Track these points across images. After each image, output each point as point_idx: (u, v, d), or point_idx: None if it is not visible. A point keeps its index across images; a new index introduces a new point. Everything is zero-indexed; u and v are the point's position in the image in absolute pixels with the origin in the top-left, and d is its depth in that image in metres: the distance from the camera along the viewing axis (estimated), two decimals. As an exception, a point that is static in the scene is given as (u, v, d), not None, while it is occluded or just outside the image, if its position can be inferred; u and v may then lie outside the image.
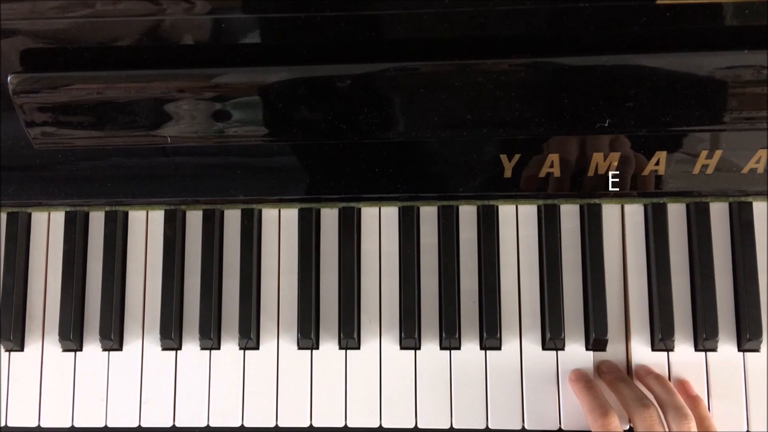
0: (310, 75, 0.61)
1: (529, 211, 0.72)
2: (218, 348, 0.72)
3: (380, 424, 0.70)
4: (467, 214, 0.72)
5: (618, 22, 0.59)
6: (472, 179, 0.67)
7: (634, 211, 0.71)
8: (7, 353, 0.74)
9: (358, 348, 0.71)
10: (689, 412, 0.63)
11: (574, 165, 0.66)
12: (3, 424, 0.72)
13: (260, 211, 0.74)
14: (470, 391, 0.70)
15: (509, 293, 0.71)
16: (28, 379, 0.73)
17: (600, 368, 0.69)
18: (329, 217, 0.73)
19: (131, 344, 0.73)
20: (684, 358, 0.69)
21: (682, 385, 0.68)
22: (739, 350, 0.69)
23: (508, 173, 0.67)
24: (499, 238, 0.71)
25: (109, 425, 0.72)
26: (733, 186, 0.67)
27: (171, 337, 0.71)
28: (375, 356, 0.71)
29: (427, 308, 0.71)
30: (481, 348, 0.70)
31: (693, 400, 0.66)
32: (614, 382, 0.67)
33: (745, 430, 0.68)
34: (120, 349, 0.73)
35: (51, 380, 0.73)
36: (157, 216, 0.74)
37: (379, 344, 0.71)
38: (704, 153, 0.65)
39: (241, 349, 0.72)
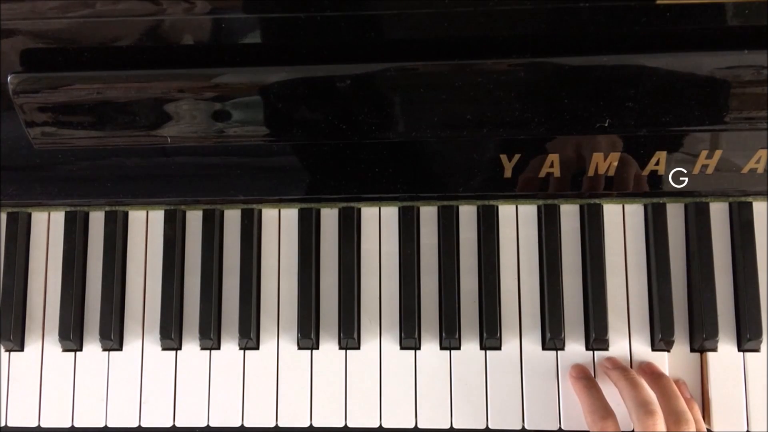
0: (310, 75, 0.61)
1: (529, 211, 0.72)
2: (218, 348, 0.72)
3: (380, 424, 0.70)
4: (467, 214, 0.72)
5: (618, 22, 0.59)
6: (472, 179, 0.67)
7: (634, 211, 0.71)
8: (7, 353, 0.74)
9: (358, 348, 0.71)
10: (690, 417, 0.62)
11: (574, 165, 0.66)
12: (3, 424, 0.72)
13: (260, 211, 0.74)
14: (470, 391, 0.70)
15: (509, 293, 0.71)
16: (28, 379, 0.73)
17: (605, 364, 0.69)
18: (329, 217, 0.73)
19: (131, 344, 0.73)
20: (684, 357, 0.69)
21: (678, 387, 0.67)
22: (739, 350, 0.69)
23: (508, 173, 0.67)
24: (499, 238, 0.71)
25: (109, 425, 0.72)
26: (733, 186, 0.67)
27: (171, 337, 0.71)
28: (375, 356, 0.71)
29: (427, 308, 0.71)
30: (481, 348, 0.70)
31: (686, 402, 0.66)
32: (619, 381, 0.66)
33: (745, 430, 0.68)
34: (120, 349, 0.73)
35: (51, 380, 0.73)
36: (157, 216, 0.74)
37: (379, 344, 0.71)
38: (704, 153, 0.65)
39: (241, 349, 0.72)
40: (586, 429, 0.67)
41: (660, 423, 0.61)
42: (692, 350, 0.70)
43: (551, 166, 0.66)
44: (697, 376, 0.69)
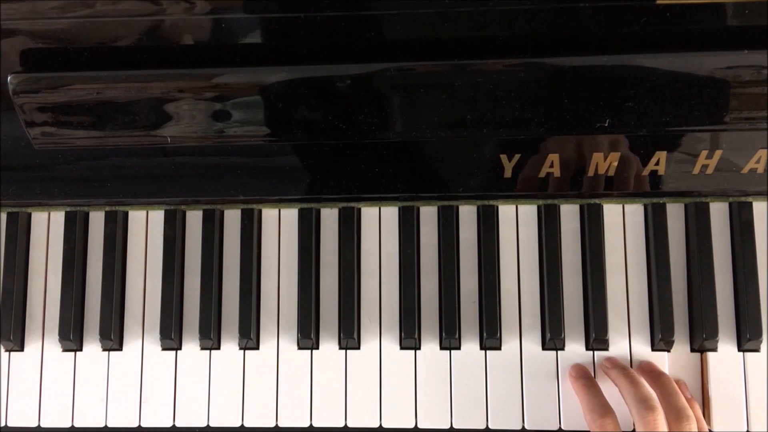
0: (310, 75, 0.61)
1: (529, 211, 0.72)
2: (218, 348, 0.72)
3: (380, 424, 0.70)
4: (467, 214, 0.72)
5: (618, 22, 0.59)
6: (472, 179, 0.67)
7: (634, 211, 0.71)
8: (7, 353, 0.74)
9: (358, 348, 0.71)
10: (690, 413, 0.62)
11: (574, 165, 0.66)
12: (3, 424, 0.72)
13: (260, 211, 0.74)
14: (470, 391, 0.70)
15: (509, 293, 0.71)
16: (28, 379, 0.73)
17: (604, 364, 0.69)
18: (329, 217, 0.73)
19: (131, 344, 0.73)
20: (684, 357, 0.69)
21: (679, 387, 0.67)
22: (739, 350, 0.69)
23: (508, 173, 0.67)
24: (499, 238, 0.71)
25: (109, 425, 0.72)
26: (733, 186, 0.67)
27: (171, 337, 0.71)
28: (375, 356, 0.71)
29: (427, 308, 0.71)
30: (481, 348, 0.70)
31: (687, 402, 0.66)
32: (618, 379, 0.66)
33: (745, 430, 0.68)
34: (120, 349, 0.73)
35: (51, 380, 0.73)
36: (157, 216, 0.74)
37: (379, 344, 0.71)
38: (704, 153, 0.65)
39: (241, 349, 0.72)
40: (586, 429, 0.67)
41: (661, 419, 0.61)
42: (692, 350, 0.70)
43: (551, 166, 0.66)
44: (697, 376, 0.69)
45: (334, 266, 0.72)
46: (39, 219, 0.75)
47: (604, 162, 0.66)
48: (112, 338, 0.72)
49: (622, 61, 0.60)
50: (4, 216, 0.75)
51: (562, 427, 0.69)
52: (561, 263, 0.70)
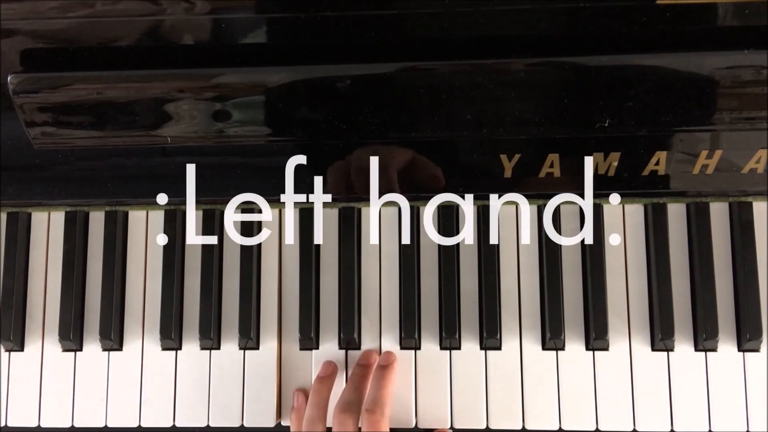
0: (310, 75, 0.61)
1: (529, 211, 0.72)
2: (218, 348, 0.72)
3: (380, 424, 0.70)
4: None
5: (618, 22, 0.59)
6: (472, 179, 0.67)
7: (634, 211, 0.71)
8: (7, 353, 0.74)
9: (358, 348, 0.71)
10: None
11: (574, 165, 0.66)
12: (3, 424, 0.72)
13: (260, 211, 0.73)
14: (470, 391, 0.70)
15: (509, 293, 0.71)
16: (28, 379, 0.73)
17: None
18: (329, 217, 0.73)
19: (131, 344, 0.73)
20: (684, 358, 0.69)
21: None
22: (739, 350, 0.69)
23: (508, 173, 0.67)
24: (499, 238, 0.71)
25: (109, 425, 0.72)
26: (733, 186, 0.67)
27: (171, 337, 0.71)
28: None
29: (427, 308, 0.71)
30: (481, 348, 0.70)
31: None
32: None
33: (745, 430, 0.68)
34: (120, 349, 0.73)
35: (51, 380, 0.73)
36: (157, 216, 0.74)
37: (380, 344, 0.71)
38: (704, 153, 0.65)
39: (241, 349, 0.72)
40: (587, 429, 0.67)
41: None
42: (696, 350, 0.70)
43: (551, 166, 0.66)
44: (702, 377, 0.69)
45: (334, 266, 0.72)
46: (39, 219, 0.75)
47: (604, 162, 0.66)
48: (112, 338, 0.72)
49: (622, 61, 0.60)
50: (4, 216, 0.75)
51: (563, 427, 0.69)
52: (561, 263, 0.70)
